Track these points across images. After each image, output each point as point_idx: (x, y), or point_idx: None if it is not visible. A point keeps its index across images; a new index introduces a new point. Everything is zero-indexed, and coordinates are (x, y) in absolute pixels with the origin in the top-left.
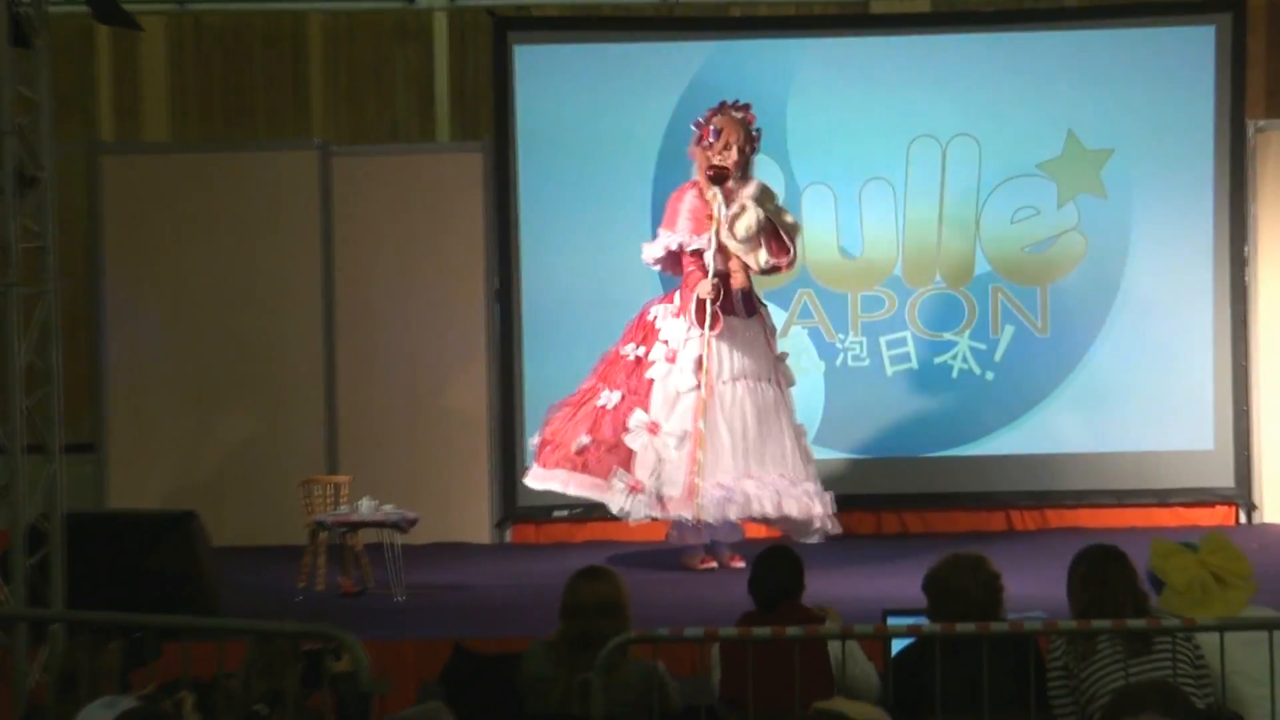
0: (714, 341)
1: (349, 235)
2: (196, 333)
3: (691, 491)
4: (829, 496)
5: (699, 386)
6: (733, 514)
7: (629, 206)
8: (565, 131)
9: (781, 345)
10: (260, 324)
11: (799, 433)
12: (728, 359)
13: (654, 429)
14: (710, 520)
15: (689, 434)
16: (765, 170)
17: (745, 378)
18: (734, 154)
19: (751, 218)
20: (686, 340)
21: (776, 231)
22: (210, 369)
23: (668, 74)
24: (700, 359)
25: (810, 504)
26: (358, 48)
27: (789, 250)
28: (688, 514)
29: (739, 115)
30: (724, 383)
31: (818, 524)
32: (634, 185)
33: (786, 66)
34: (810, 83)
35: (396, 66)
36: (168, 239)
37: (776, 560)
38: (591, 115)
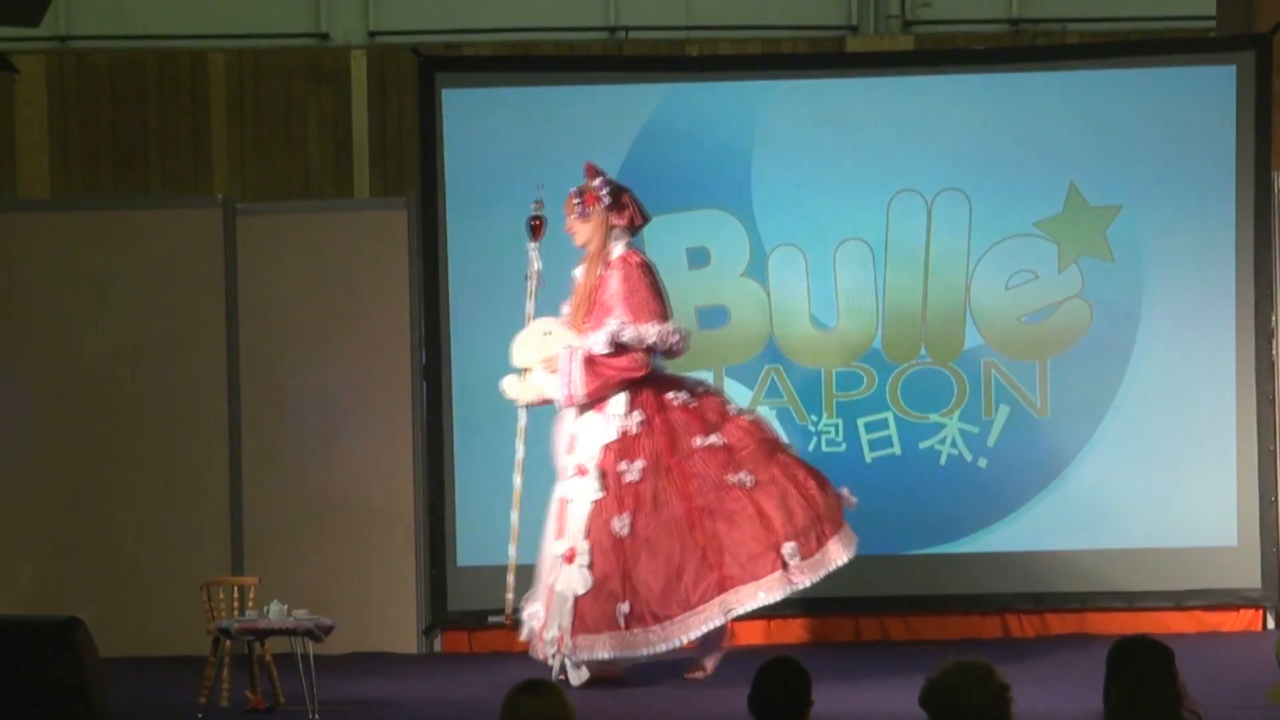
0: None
1: (257, 304)
2: (80, 414)
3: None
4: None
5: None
6: None
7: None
8: (501, 186)
9: None
10: (154, 404)
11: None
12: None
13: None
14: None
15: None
16: (726, 231)
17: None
18: (572, 225)
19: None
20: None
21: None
22: (96, 454)
23: (618, 120)
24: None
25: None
26: (265, 91)
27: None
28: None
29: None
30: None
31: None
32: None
33: (751, 111)
34: (778, 130)
35: (309, 112)
36: (47, 308)
37: (782, 674)
38: (531, 167)
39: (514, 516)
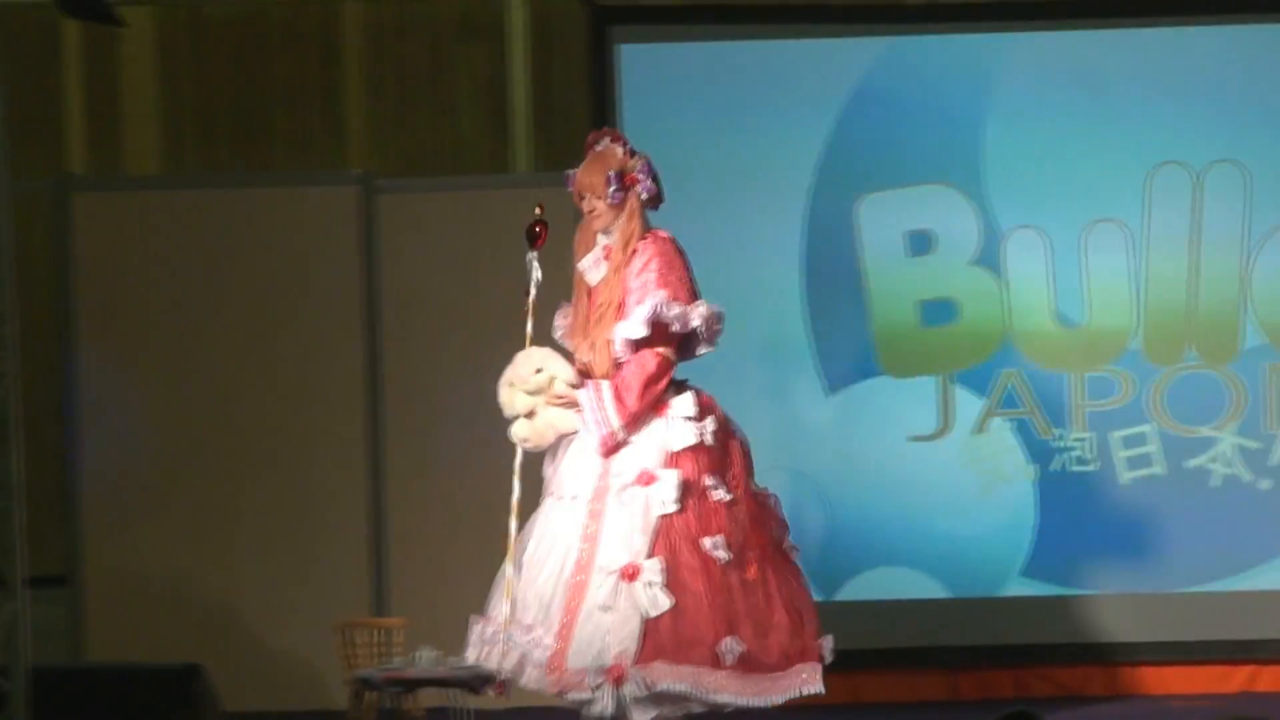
0: None
1: (400, 296)
2: (198, 427)
3: None
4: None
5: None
6: None
7: (774, 258)
8: (686, 158)
9: (980, 440)
10: (283, 414)
11: None
12: None
13: None
14: None
15: None
16: (953, 211)
17: None
18: (595, 203)
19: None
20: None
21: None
22: (217, 475)
23: (826, 80)
24: None
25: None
26: (408, 48)
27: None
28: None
29: (604, 145)
30: None
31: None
32: (780, 229)
33: (984, 71)
34: (1017, 93)
35: (459, 73)
36: (160, 303)
37: None
38: (722, 138)
39: (508, 569)
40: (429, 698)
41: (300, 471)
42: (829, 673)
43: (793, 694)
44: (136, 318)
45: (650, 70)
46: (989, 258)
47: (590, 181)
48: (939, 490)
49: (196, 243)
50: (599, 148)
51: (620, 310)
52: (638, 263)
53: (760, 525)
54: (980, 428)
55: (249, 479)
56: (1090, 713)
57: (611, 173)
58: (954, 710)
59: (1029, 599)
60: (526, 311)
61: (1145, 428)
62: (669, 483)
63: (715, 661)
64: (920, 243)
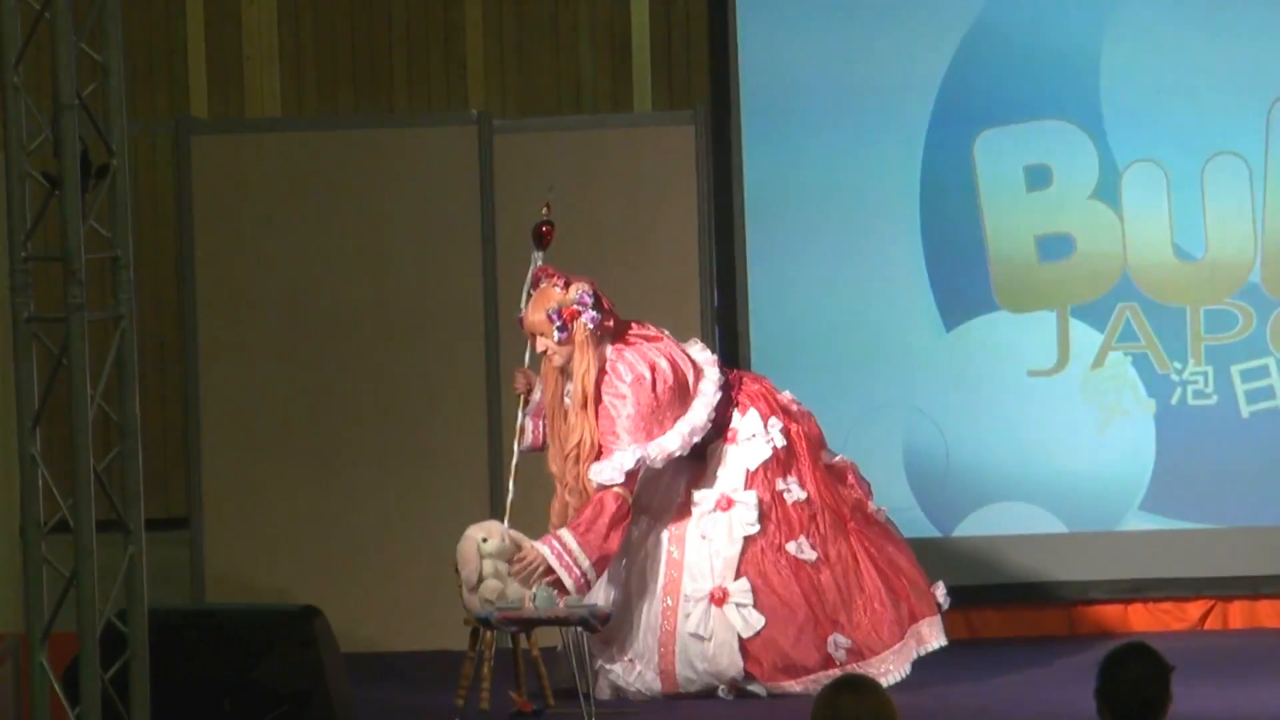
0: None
1: (519, 238)
2: (318, 369)
3: None
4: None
5: None
6: None
7: (891, 194)
8: (804, 90)
9: (1098, 374)
10: (401, 355)
11: None
12: None
13: None
14: None
15: None
16: (1071, 145)
17: None
18: (543, 343)
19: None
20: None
21: None
22: (337, 416)
23: (941, 17)
24: None
25: None
26: None
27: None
28: None
29: (546, 285)
30: None
31: None
32: (898, 165)
33: (1100, 3)
34: (1133, 23)
35: (580, 11)
36: (279, 245)
37: (1139, 665)
38: (840, 73)
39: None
40: (547, 635)
41: (418, 413)
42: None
43: (915, 656)
44: (255, 262)
45: (770, 6)
46: (1107, 192)
47: (534, 322)
48: (1057, 425)
49: (314, 185)
50: (539, 288)
51: (592, 450)
52: (610, 396)
53: (840, 501)
54: (1098, 362)
55: (366, 420)
56: (1210, 644)
57: (550, 310)
58: (1071, 644)
59: (1147, 533)
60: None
61: (1266, 360)
62: (748, 505)
63: (828, 662)
64: (1038, 177)
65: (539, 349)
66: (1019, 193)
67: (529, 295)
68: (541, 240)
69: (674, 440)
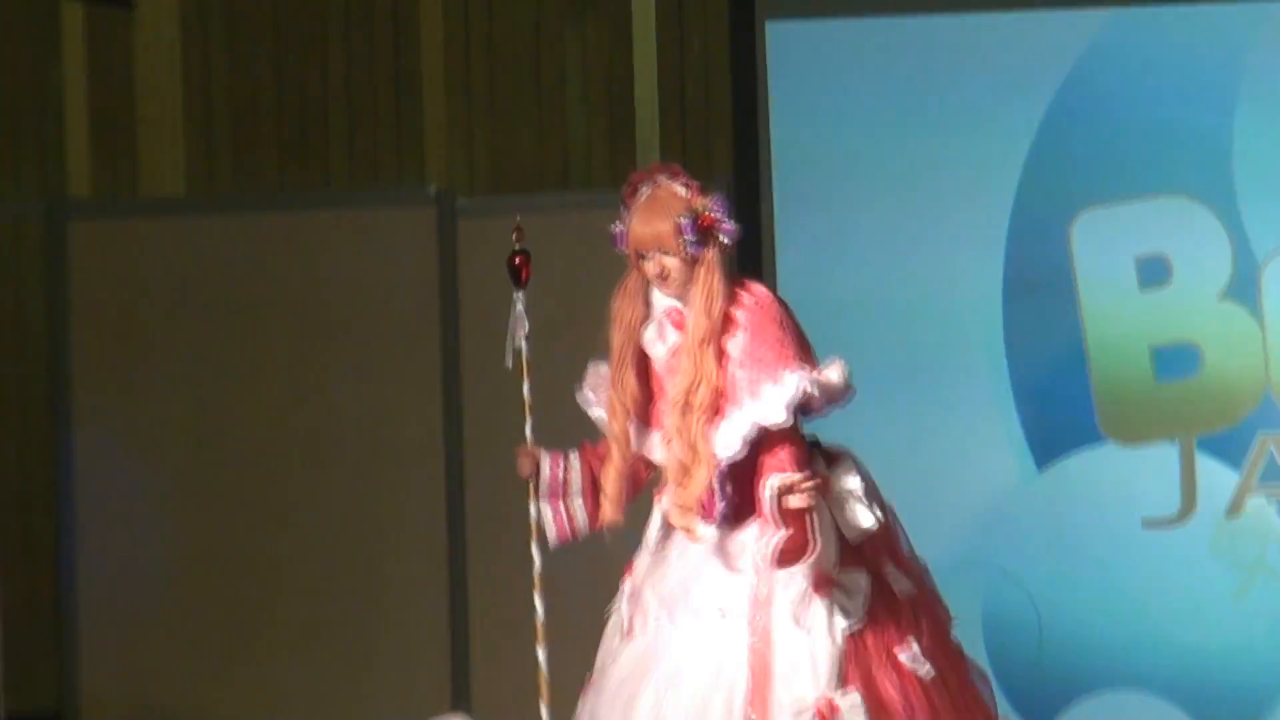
0: None
1: (488, 345)
2: (231, 521)
3: None
4: None
5: None
6: None
7: (966, 297)
8: (849, 165)
9: (1234, 524)
10: (341, 499)
11: None
12: None
13: None
14: None
15: None
16: (1197, 230)
17: None
18: (667, 262)
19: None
20: None
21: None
22: (257, 584)
23: (1026, 67)
24: None
25: None
26: (502, 26)
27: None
28: None
29: (659, 183)
30: None
31: None
32: (973, 260)
33: (1234, 51)
34: (1277, 78)
35: (568, 58)
36: (182, 360)
37: None
38: (896, 141)
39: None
40: None
41: (361, 568)
42: None
43: None
44: (151, 383)
45: (806, 54)
46: (1244, 290)
47: (655, 233)
48: (1181, 590)
49: (227, 282)
50: (650, 189)
51: (722, 396)
52: (738, 332)
53: (938, 601)
54: (1234, 508)
55: (298, 591)
56: None
57: (683, 219)
58: None
59: None
60: (521, 369)
61: None
62: (856, 588)
63: None
64: (1154, 271)
65: (653, 271)
66: (1130, 291)
67: (518, 347)
68: (519, 275)
69: (836, 373)
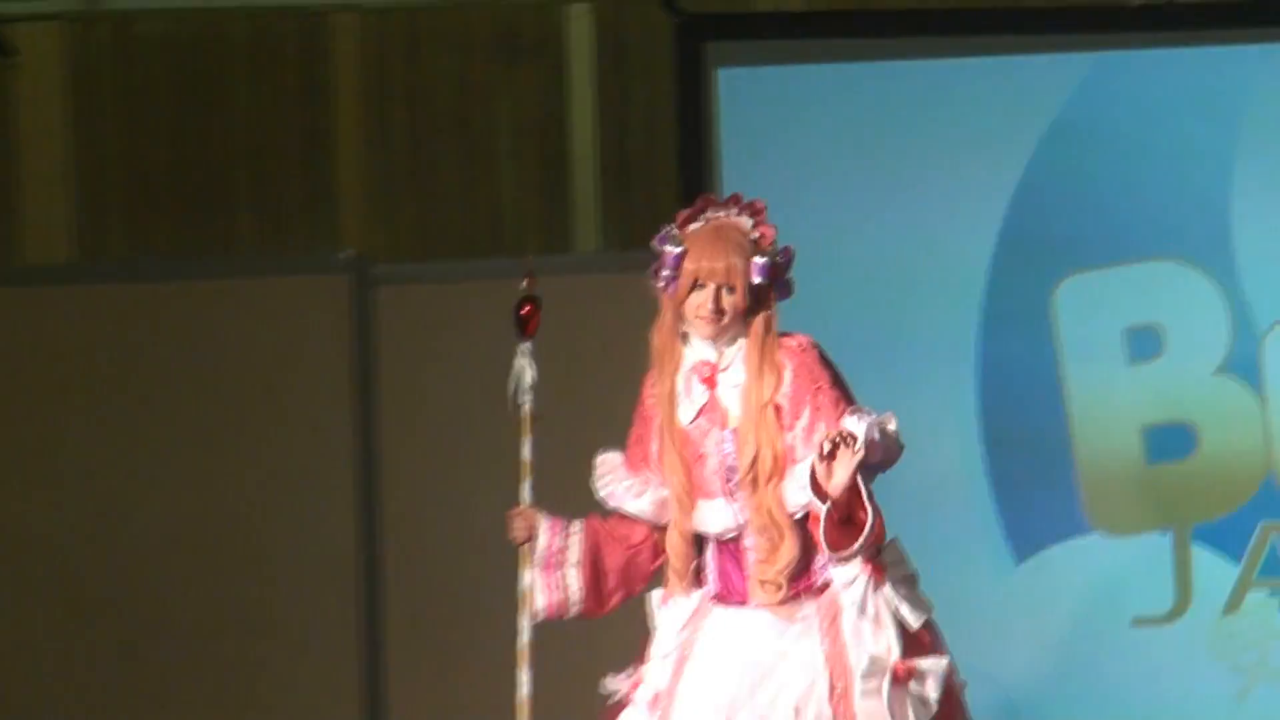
0: None
1: (405, 424)
2: (108, 614)
3: None
4: None
5: None
6: None
7: (937, 361)
8: (813, 222)
9: (1234, 621)
10: (247, 597)
11: None
12: None
13: None
14: None
15: None
16: (1191, 298)
17: None
18: (727, 300)
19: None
20: None
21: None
22: (131, 675)
23: (1004, 117)
24: None
25: None
26: (424, 73)
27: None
28: None
29: (728, 215)
30: None
31: None
32: (945, 323)
33: (1233, 99)
34: (1272, 125)
35: (499, 109)
36: (70, 439)
37: None
38: (861, 199)
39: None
40: None
41: (260, 696)
42: None
43: None
44: (31, 466)
45: (761, 105)
46: (1243, 364)
47: (728, 264)
48: (1176, 695)
49: (120, 356)
50: (717, 215)
51: (781, 461)
52: (787, 381)
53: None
54: (1233, 604)
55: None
56: None
57: (760, 258)
58: None
59: None
60: (522, 425)
61: None
62: (935, 673)
63: None
64: (1145, 343)
65: (699, 305)
66: (1118, 365)
67: (521, 397)
68: (524, 326)
69: (893, 423)
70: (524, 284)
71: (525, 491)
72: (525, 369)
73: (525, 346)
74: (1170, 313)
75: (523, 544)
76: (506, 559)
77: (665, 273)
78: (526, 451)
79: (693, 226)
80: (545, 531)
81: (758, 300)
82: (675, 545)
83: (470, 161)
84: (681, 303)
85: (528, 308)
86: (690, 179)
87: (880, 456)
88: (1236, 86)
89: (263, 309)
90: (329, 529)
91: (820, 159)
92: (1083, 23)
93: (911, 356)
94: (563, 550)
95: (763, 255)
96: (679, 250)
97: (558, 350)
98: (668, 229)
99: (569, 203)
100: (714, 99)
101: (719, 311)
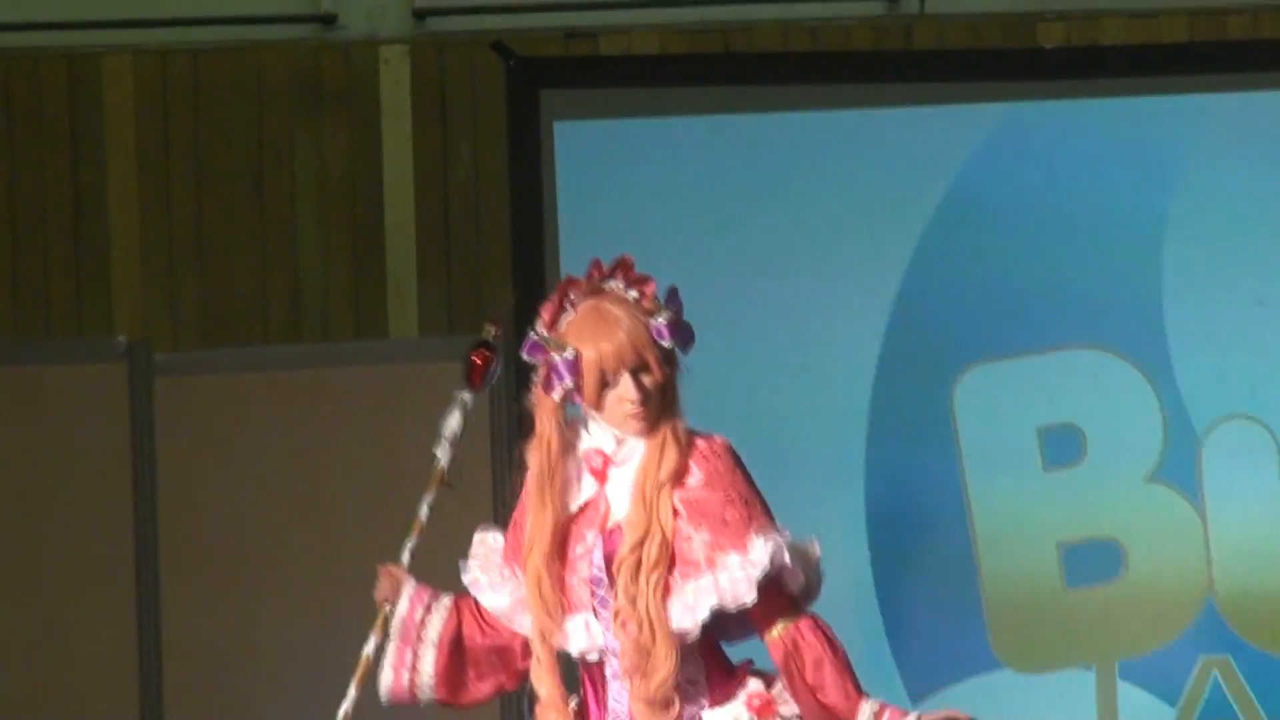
0: None
1: (187, 526)
2: None
3: None
4: None
5: None
6: None
7: (819, 475)
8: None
9: None
10: (19, 691)
11: None
12: None
13: None
14: None
15: None
16: (1117, 391)
17: None
18: (648, 381)
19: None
20: None
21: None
22: None
23: (899, 179)
24: None
25: None
26: (215, 122)
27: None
28: None
29: (622, 289)
30: None
31: None
32: (826, 429)
33: (1164, 157)
34: (1215, 189)
35: (299, 166)
36: None
37: None
38: (724, 263)
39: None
40: None
41: None
42: None
43: None
44: None
45: (604, 162)
46: (1178, 469)
47: (629, 345)
48: None
49: None
50: (584, 298)
51: (671, 566)
52: (691, 484)
53: None
54: None
55: None
56: None
57: (658, 319)
58: None
59: None
60: (430, 479)
61: None
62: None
63: None
64: (1063, 446)
65: (618, 400)
66: (1031, 472)
67: (438, 449)
68: (472, 374)
69: (815, 547)
70: (490, 330)
71: (406, 551)
72: (452, 420)
73: (466, 397)
74: (1092, 410)
75: (382, 604)
76: (288, 659)
77: (563, 384)
78: (424, 509)
79: (565, 319)
80: (407, 599)
81: (670, 364)
82: (547, 682)
83: (265, 229)
84: (595, 405)
85: (481, 355)
86: (525, 248)
87: (796, 582)
88: (1167, 143)
89: (28, 401)
90: (106, 628)
91: (675, 231)
92: (986, 69)
93: (784, 465)
94: (422, 624)
95: (658, 314)
96: (569, 355)
97: (372, 448)
98: (534, 335)
99: (382, 279)
100: (551, 156)
101: (645, 399)
